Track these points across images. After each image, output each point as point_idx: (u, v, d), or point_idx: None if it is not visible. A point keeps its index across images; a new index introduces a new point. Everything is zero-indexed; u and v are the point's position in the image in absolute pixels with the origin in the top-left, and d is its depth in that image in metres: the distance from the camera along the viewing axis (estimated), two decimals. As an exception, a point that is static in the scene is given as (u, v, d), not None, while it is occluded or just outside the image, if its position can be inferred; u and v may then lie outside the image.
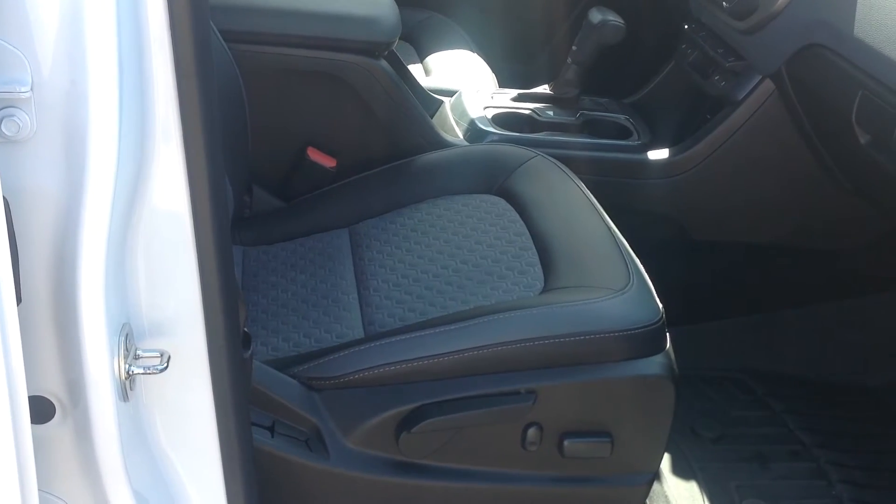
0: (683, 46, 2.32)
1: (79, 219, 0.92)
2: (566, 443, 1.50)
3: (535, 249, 1.70)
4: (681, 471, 1.96)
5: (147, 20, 0.91)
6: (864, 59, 1.65)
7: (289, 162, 2.06)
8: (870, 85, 1.63)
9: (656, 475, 1.64)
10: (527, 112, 2.29)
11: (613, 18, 2.21)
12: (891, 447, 2.08)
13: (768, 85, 2.03)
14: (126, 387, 0.99)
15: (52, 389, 0.98)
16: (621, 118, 2.33)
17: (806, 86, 1.93)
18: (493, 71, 2.55)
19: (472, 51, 2.64)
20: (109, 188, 0.92)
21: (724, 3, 2.09)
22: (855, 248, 2.19)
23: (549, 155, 1.94)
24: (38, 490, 0.93)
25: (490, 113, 2.25)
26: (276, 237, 1.86)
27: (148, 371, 1.00)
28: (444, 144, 2.10)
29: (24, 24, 0.87)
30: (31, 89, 0.88)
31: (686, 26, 2.33)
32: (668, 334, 1.55)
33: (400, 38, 2.08)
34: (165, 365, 1.01)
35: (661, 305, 1.55)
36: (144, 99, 0.94)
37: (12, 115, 0.88)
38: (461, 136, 2.18)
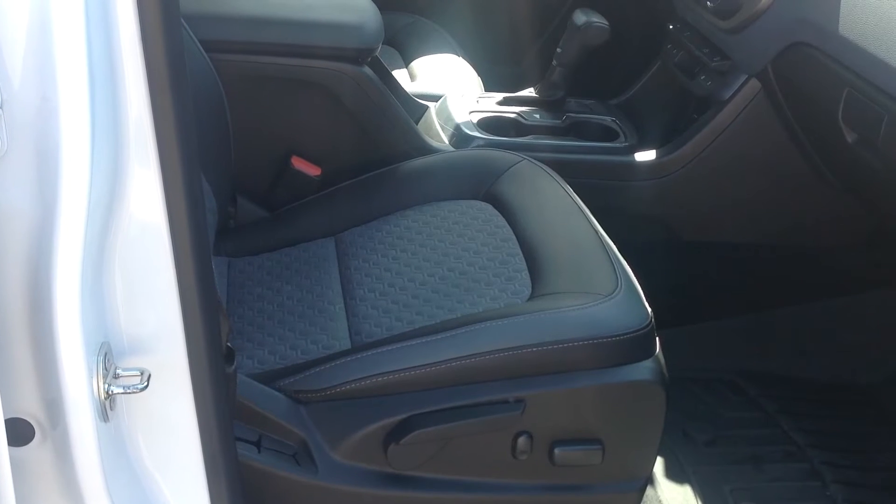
0: (669, 46, 2.31)
1: (53, 236, 0.90)
2: (557, 451, 1.48)
3: (522, 255, 1.68)
4: (674, 475, 1.95)
5: (118, 31, 0.90)
6: (850, 57, 1.64)
7: (273, 171, 2.04)
8: (856, 83, 1.62)
9: (649, 480, 1.63)
10: (512, 116, 2.28)
11: (598, 20, 2.20)
12: (884, 446, 2.07)
13: (755, 84, 2.02)
14: (106, 406, 0.97)
15: (31, 411, 0.96)
16: (607, 120, 2.32)
17: (792, 85, 1.92)
18: (479, 75, 2.54)
19: (457, 55, 2.62)
20: (83, 204, 0.90)
21: (708, 3, 2.08)
22: (844, 247, 2.18)
23: (536, 158, 1.93)
24: (17, 514, 0.92)
25: (476, 117, 2.23)
26: (261, 247, 1.84)
27: (128, 390, 0.98)
28: (430, 150, 2.08)
29: (-8, 40, 0.85)
30: (1, 107, 0.86)
31: (671, 26, 2.32)
32: (657, 339, 1.53)
33: (384, 43, 2.07)
34: (146, 383, 0.99)
35: (649, 310, 1.53)
36: (117, 112, 0.92)
37: (-18, 135, 0.86)
38: (447, 142, 2.17)
